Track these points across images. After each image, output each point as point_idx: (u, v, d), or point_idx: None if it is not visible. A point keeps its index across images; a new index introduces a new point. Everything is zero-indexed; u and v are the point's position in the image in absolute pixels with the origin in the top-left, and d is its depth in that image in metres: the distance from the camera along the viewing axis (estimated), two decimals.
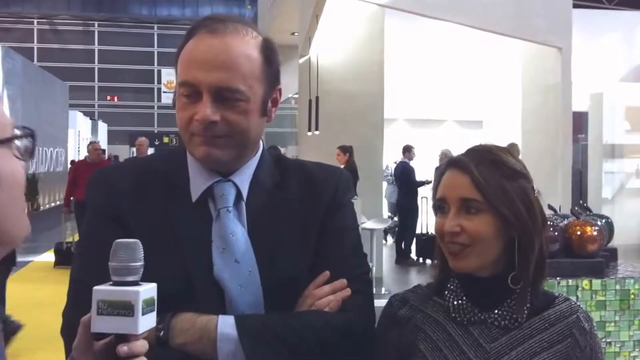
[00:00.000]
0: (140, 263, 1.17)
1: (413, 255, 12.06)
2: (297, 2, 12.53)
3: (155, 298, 1.18)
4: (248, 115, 1.48)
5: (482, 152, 1.59)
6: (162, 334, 1.40)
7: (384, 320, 1.64)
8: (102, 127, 29.10)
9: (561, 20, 9.35)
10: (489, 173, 1.52)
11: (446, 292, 1.60)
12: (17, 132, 1.06)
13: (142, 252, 1.18)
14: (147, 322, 1.15)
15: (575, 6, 9.93)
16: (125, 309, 1.12)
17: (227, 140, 1.48)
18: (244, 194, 1.56)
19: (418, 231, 12.30)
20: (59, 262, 11.00)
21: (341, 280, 1.53)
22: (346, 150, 10.03)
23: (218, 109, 1.45)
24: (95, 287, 1.14)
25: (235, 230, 1.51)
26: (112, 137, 31.12)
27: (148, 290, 1.16)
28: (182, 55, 1.52)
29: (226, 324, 1.42)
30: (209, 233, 1.51)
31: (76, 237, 10.12)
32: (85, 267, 1.48)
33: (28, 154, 1.07)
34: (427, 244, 11.77)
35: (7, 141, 1.03)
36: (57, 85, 24.25)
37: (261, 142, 1.62)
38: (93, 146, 12.39)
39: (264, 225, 1.53)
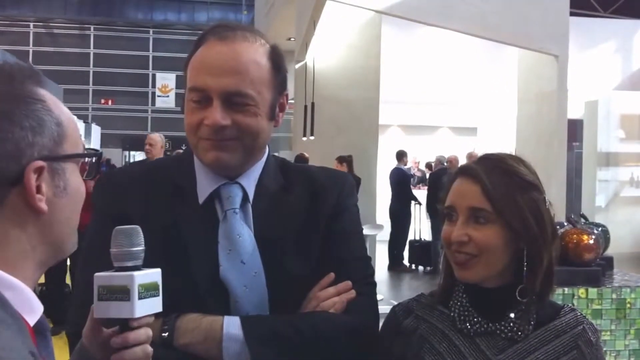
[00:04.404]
0: (140, 248, 1.20)
1: (405, 261, 12.03)
2: (294, 8, 12.54)
3: (160, 284, 1.20)
4: (257, 118, 1.50)
5: (494, 161, 1.57)
6: (167, 334, 1.42)
7: (388, 330, 1.62)
8: (96, 130, 29.01)
9: (558, 28, 9.37)
10: (500, 183, 1.51)
11: (451, 302, 1.58)
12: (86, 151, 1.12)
13: (142, 238, 1.20)
14: (146, 306, 1.17)
15: (571, 14, 9.94)
16: (122, 293, 1.15)
17: (235, 143, 1.50)
18: (250, 196, 1.57)
19: (411, 237, 12.28)
20: None
21: (346, 283, 1.55)
22: (344, 160, 9.91)
23: (228, 113, 1.47)
24: (96, 274, 1.18)
25: (241, 232, 1.53)
26: (106, 141, 31.03)
27: (147, 275, 1.18)
28: (192, 61, 1.53)
29: (232, 325, 1.43)
30: (215, 234, 1.53)
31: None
32: (89, 267, 1.47)
33: (91, 174, 1.14)
34: (420, 250, 11.77)
35: (77, 157, 1.08)
36: (51, 88, 24.25)
37: (266, 147, 1.63)
38: None
39: (269, 227, 1.55)
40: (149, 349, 1.20)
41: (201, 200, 1.55)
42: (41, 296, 7.92)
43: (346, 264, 1.59)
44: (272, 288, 1.52)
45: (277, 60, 1.56)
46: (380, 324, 1.62)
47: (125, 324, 1.17)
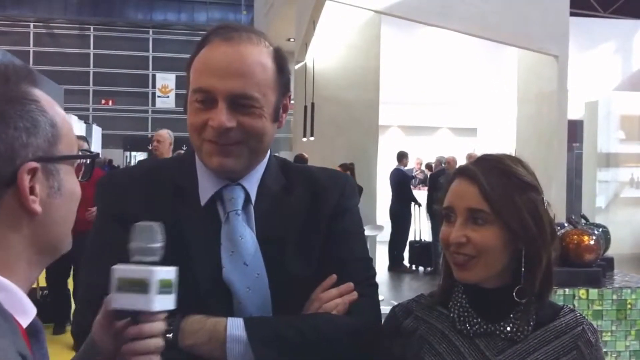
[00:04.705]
0: (160, 244, 1.22)
1: (406, 262, 12.03)
2: (293, 8, 12.53)
3: (175, 282, 1.22)
4: (262, 120, 1.50)
5: (492, 161, 1.56)
6: (171, 335, 1.42)
7: (387, 331, 1.62)
8: (97, 130, 29.04)
9: (558, 29, 9.36)
10: (498, 184, 1.50)
11: (450, 303, 1.58)
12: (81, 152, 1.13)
13: (162, 235, 1.23)
14: (163, 302, 1.20)
15: (571, 14, 9.94)
16: (141, 286, 1.18)
17: (240, 147, 1.50)
18: (252, 197, 1.58)
19: (411, 238, 12.27)
20: None
21: (348, 284, 1.55)
22: (346, 168, 9.86)
23: (233, 115, 1.47)
24: (115, 266, 1.20)
25: (244, 233, 1.53)
26: (107, 141, 31.07)
27: (165, 272, 1.21)
28: (195, 62, 1.53)
29: (235, 326, 1.44)
30: (217, 236, 1.53)
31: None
32: (93, 269, 1.50)
33: (86, 175, 1.15)
34: (420, 251, 11.77)
35: (71, 158, 1.09)
36: (51, 88, 24.23)
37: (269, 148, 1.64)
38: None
39: (271, 228, 1.56)
40: (160, 342, 1.22)
41: (203, 201, 1.55)
42: (43, 299, 7.79)
43: (347, 264, 1.59)
44: (274, 289, 1.52)
45: (281, 62, 1.56)
46: None
47: (139, 318, 1.20)
